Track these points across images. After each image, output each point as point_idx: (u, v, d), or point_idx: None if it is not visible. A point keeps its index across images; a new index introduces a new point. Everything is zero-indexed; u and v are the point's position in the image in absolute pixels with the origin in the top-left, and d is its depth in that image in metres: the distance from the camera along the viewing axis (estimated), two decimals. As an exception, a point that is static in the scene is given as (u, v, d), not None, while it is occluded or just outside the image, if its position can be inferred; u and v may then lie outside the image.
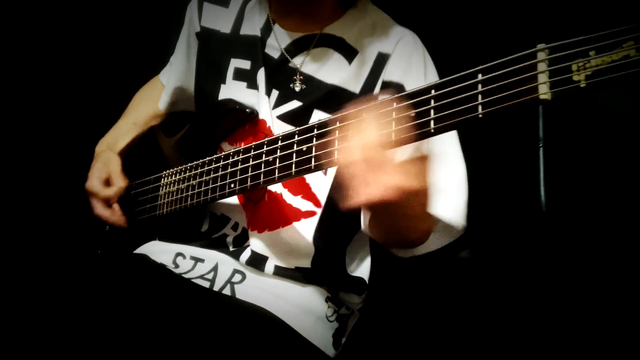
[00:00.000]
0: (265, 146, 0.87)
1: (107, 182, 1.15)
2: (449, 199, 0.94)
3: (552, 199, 1.18)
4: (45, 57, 1.59)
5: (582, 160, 1.16)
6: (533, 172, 1.20)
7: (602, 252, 1.18)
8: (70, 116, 1.59)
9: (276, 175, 0.84)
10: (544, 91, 0.57)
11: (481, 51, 1.22)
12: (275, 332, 0.97)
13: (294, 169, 0.81)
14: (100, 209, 1.14)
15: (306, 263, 1.03)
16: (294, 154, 0.81)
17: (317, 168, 0.78)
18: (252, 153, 0.90)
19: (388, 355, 1.20)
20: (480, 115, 0.60)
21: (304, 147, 0.80)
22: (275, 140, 0.85)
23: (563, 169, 1.18)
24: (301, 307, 1.02)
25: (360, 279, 1.11)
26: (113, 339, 0.79)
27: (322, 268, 1.04)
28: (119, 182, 1.15)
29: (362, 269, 1.13)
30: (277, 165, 0.84)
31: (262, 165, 0.87)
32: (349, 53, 1.03)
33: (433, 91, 0.65)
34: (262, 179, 0.87)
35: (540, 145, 1.19)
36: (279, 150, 0.84)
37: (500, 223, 1.27)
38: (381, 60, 1.01)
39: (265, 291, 1.02)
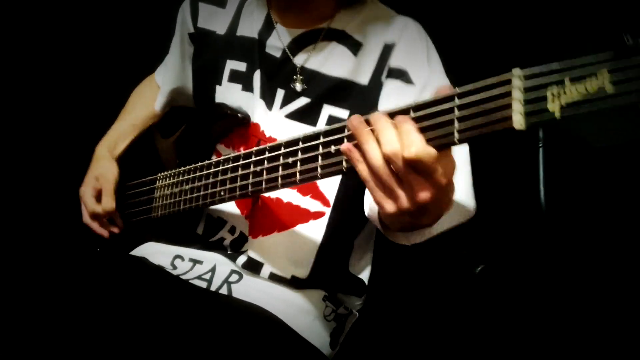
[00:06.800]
0: (253, 156, 0.87)
1: (99, 196, 1.14)
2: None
3: (552, 199, 1.17)
4: (40, 55, 1.60)
5: (582, 160, 1.14)
6: (533, 172, 1.19)
7: (601, 252, 1.17)
8: (69, 113, 1.60)
9: (263, 186, 0.84)
10: (517, 120, 0.54)
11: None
12: (272, 331, 0.97)
13: (279, 182, 0.81)
14: (87, 219, 1.16)
15: (303, 272, 1.03)
16: (280, 167, 0.80)
17: (302, 181, 0.78)
18: (241, 162, 0.89)
19: (386, 355, 1.21)
20: (457, 141, 0.59)
21: (290, 160, 0.79)
22: (263, 151, 0.85)
23: (563, 169, 1.17)
24: (298, 306, 1.03)
25: (360, 281, 1.11)
26: (111, 341, 0.80)
27: (322, 272, 1.04)
28: (108, 204, 1.12)
29: (364, 270, 1.12)
30: (264, 177, 0.83)
31: (251, 175, 0.87)
32: (354, 45, 1.02)
33: (412, 112, 0.64)
34: (250, 189, 0.87)
35: (540, 145, 1.17)
36: (266, 162, 0.84)
37: (499, 223, 1.26)
38: (387, 50, 1.01)
39: (262, 291, 1.02)
